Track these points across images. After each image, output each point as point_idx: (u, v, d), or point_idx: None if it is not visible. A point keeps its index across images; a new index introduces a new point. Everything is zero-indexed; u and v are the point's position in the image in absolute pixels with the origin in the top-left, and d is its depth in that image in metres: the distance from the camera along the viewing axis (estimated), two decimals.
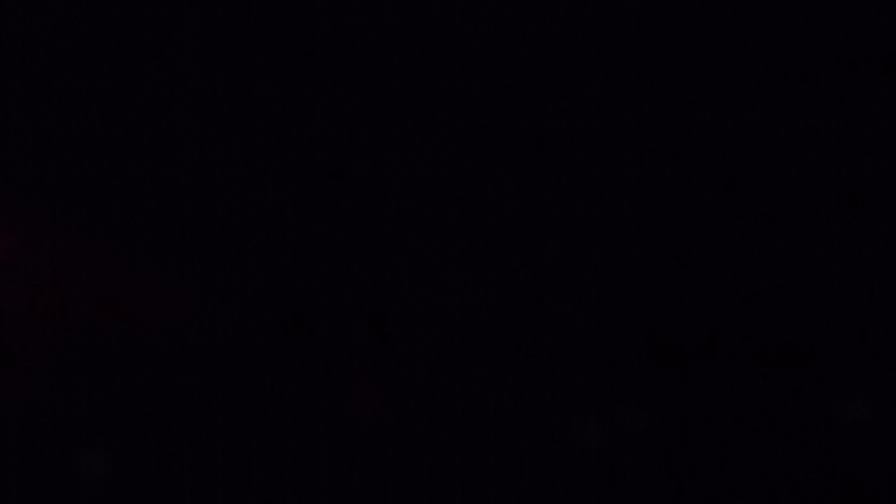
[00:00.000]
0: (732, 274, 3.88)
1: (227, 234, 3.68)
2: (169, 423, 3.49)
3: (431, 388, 3.66)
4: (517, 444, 3.48)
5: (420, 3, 4.07)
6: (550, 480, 3.32)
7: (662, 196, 4.01)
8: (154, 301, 3.58)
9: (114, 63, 3.77)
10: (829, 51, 3.97)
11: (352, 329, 3.77)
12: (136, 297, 3.56)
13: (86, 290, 3.55)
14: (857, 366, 3.54)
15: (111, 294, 3.55)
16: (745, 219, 3.98)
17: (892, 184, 3.91)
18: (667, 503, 3.25)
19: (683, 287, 3.87)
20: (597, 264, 3.83)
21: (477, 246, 3.82)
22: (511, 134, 4.00)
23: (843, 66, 3.99)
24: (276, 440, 3.46)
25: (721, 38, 4.01)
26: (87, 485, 3.34)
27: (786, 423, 3.46)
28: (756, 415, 3.61)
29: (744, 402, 3.57)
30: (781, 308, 3.82)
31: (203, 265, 3.65)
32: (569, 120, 4.00)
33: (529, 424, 3.57)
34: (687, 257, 3.95)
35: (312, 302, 3.73)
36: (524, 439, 3.49)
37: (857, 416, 3.34)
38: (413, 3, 4.09)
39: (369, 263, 3.85)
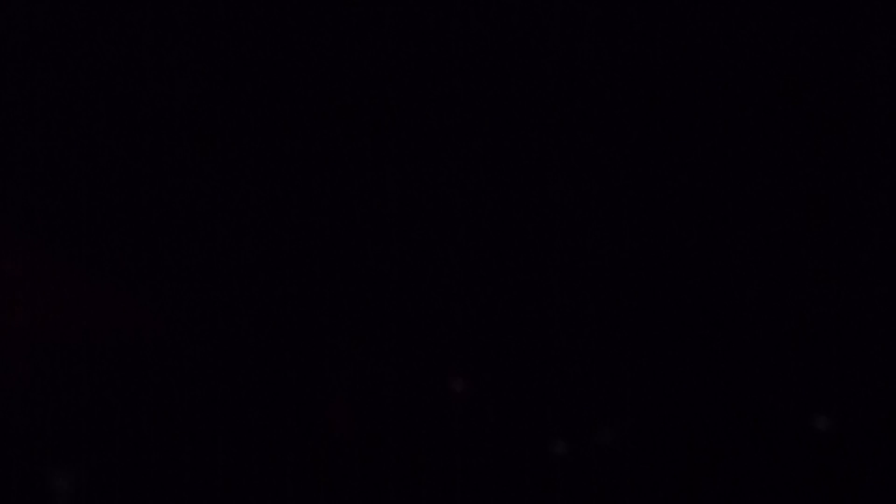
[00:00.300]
0: (717, 285, 3.97)
1: (206, 258, 3.77)
2: (150, 432, 3.55)
3: (406, 403, 3.74)
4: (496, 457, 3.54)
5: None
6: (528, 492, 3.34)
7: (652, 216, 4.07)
8: (135, 317, 3.68)
9: (101, 92, 3.85)
10: (828, 56, 4.01)
11: (328, 345, 3.85)
12: (119, 313, 3.66)
13: (70, 306, 3.64)
14: (830, 378, 3.57)
15: (93, 310, 3.65)
16: (731, 233, 4.02)
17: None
18: None
19: (671, 298, 3.95)
20: (584, 278, 3.91)
21: (457, 268, 3.91)
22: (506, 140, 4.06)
23: (843, 68, 4.05)
24: (254, 451, 3.45)
25: (719, 44, 4.04)
26: (63, 498, 3.30)
27: (766, 434, 3.44)
28: (736, 424, 3.67)
29: (725, 413, 3.55)
30: (764, 318, 3.91)
31: (181, 283, 3.75)
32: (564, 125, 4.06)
33: (508, 438, 3.65)
34: (674, 269, 4.02)
35: (288, 317, 3.83)
36: (503, 453, 3.56)
37: (829, 427, 3.33)
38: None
39: (347, 282, 3.94)
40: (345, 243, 3.85)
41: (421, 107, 4.11)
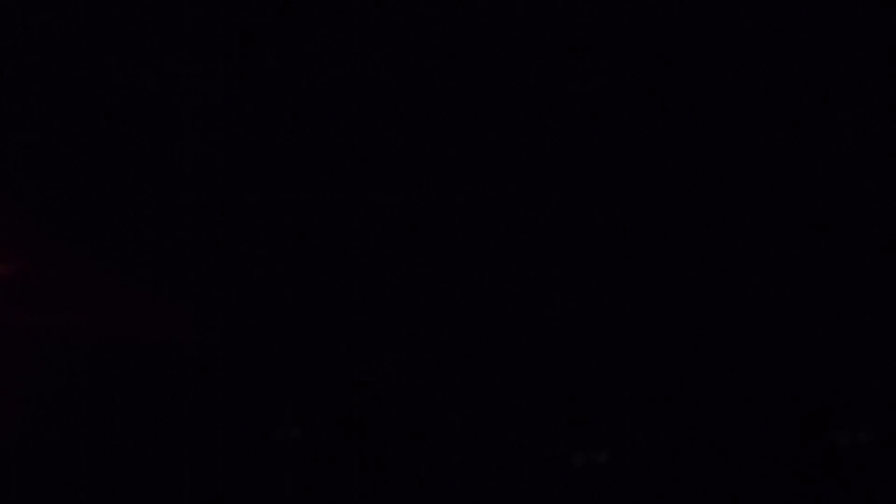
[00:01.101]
0: (729, 291, 3.97)
1: (218, 255, 3.87)
2: (166, 429, 3.67)
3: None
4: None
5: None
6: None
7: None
8: (149, 315, 3.80)
9: (115, 88, 3.96)
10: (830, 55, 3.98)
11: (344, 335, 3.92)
12: (133, 312, 3.78)
13: (85, 305, 3.77)
14: (855, 392, 3.56)
15: (109, 309, 3.78)
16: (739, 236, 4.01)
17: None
18: None
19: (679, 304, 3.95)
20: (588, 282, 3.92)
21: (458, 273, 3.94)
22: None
23: (844, 68, 4.01)
24: (270, 443, 3.51)
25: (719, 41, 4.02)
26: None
27: (786, 447, 3.44)
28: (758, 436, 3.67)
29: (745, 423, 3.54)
30: (780, 331, 3.90)
31: (196, 283, 3.85)
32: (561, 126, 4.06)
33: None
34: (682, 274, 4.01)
35: (299, 314, 3.91)
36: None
37: (856, 440, 3.31)
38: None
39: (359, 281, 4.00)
40: (368, 247, 3.93)
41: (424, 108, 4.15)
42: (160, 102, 4.00)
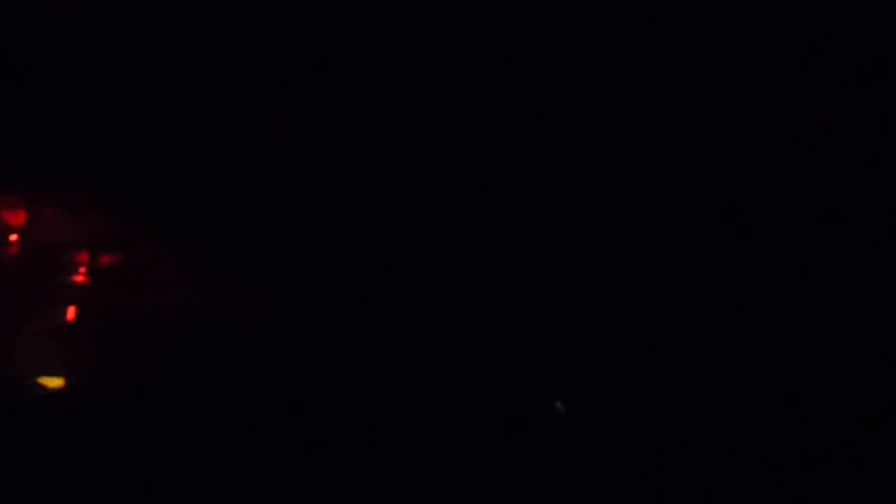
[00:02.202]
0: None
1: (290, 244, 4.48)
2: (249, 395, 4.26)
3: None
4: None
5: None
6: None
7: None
8: (233, 295, 4.53)
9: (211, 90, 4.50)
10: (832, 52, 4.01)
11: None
12: (221, 293, 4.52)
13: (183, 289, 4.53)
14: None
15: (202, 291, 4.52)
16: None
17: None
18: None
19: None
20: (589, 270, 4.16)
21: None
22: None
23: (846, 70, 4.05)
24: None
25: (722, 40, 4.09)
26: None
27: None
28: None
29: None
30: None
31: (280, 275, 4.50)
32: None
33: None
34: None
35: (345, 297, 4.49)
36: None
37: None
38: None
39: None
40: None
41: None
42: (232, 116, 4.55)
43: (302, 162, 4.87)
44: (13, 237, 4.75)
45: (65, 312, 4.91)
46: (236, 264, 4.77)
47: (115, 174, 4.46)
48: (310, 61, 4.44)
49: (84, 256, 4.94)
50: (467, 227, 4.42)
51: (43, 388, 4.48)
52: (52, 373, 4.59)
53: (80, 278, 4.97)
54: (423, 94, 4.36)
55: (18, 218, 4.68)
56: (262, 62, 4.40)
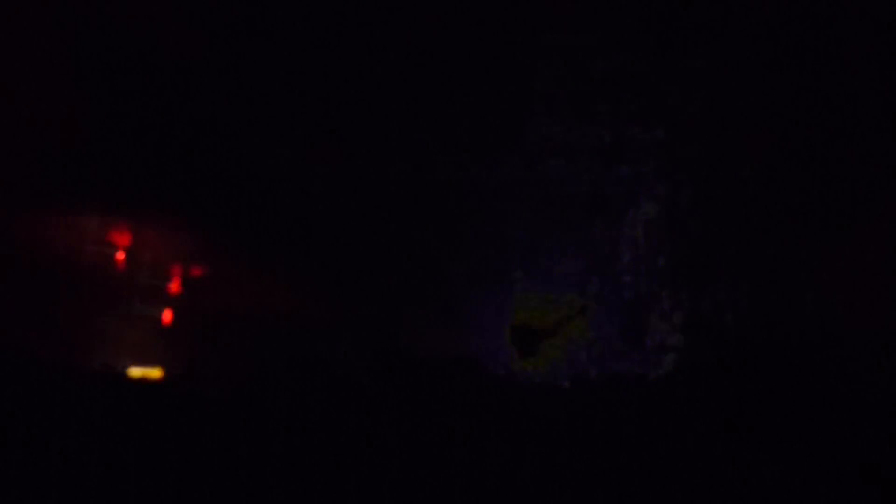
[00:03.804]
0: None
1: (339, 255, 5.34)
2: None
3: None
4: None
5: None
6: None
7: None
8: (293, 299, 5.42)
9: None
10: None
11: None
12: (282, 297, 5.41)
13: (252, 293, 5.43)
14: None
15: (268, 296, 5.42)
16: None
17: None
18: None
19: None
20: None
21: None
22: None
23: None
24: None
25: None
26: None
27: None
28: None
29: None
30: None
31: (324, 276, 5.34)
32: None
33: None
34: None
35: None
36: None
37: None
38: None
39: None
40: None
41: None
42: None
43: (363, 186, 5.71)
44: (120, 254, 5.71)
45: (162, 315, 5.87)
46: (307, 274, 5.65)
47: (203, 201, 5.33)
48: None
49: (178, 269, 5.88)
50: None
51: (145, 378, 5.38)
52: (152, 365, 5.49)
53: (175, 287, 5.91)
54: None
55: (125, 238, 5.63)
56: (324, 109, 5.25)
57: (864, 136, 4.33)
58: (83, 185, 5.24)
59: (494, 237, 7.91)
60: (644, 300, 6.64)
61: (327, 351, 6.02)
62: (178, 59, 5.01)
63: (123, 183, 5.08)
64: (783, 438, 3.17)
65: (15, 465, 3.55)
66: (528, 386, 4.67)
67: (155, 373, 5.57)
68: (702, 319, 4.46)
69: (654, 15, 4.58)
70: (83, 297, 5.68)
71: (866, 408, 3.19)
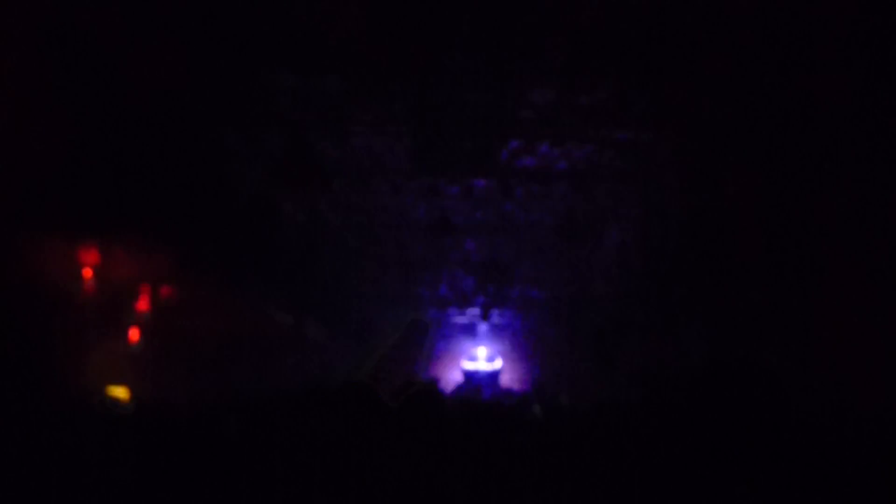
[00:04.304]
0: None
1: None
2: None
3: None
4: None
5: None
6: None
7: None
8: (268, 318, 5.45)
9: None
10: None
11: None
12: (259, 317, 5.43)
13: (218, 314, 5.43)
14: None
15: (231, 317, 5.44)
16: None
17: None
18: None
19: None
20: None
21: None
22: None
23: None
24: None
25: None
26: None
27: None
28: None
29: None
30: None
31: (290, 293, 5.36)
32: None
33: None
34: None
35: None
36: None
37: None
38: None
39: None
40: None
41: None
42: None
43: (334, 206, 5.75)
44: (88, 273, 5.70)
45: (129, 334, 5.87)
46: (271, 293, 5.69)
47: (170, 221, 5.35)
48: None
49: (146, 288, 5.89)
50: None
51: (111, 398, 5.37)
52: (118, 384, 5.49)
53: (142, 306, 5.92)
54: None
55: (93, 257, 5.62)
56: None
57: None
58: (51, 204, 5.23)
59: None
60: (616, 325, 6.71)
61: (294, 368, 6.14)
62: (151, 83, 5.01)
63: (92, 202, 5.06)
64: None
65: None
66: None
67: (122, 392, 5.56)
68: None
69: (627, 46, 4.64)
70: (49, 316, 5.67)
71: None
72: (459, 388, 8.89)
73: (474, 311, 9.53)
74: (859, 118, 4.10)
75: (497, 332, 9.43)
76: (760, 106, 4.32)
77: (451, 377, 9.43)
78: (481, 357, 9.74)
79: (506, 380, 9.60)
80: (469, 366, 9.69)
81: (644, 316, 5.78)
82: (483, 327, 9.69)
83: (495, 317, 9.37)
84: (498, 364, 9.65)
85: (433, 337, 7.65)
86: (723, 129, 4.49)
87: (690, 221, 5.05)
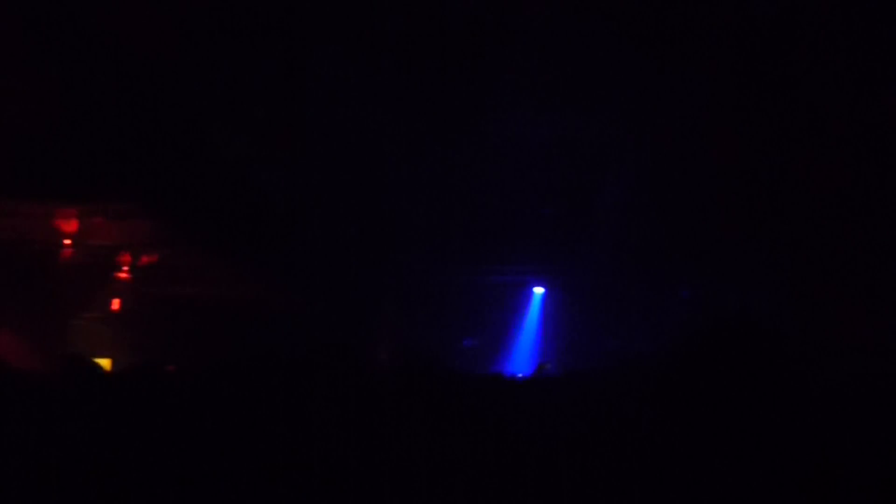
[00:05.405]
0: None
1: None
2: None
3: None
4: None
5: None
6: None
7: None
8: (254, 290, 5.40)
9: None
10: None
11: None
12: (244, 288, 5.39)
13: (214, 283, 5.38)
14: None
15: (229, 286, 5.39)
16: None
17: None
18: None
19: None
20: None
21: None
22: None
23: None
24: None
25: None
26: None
27: None
28: None
29: None
30: None
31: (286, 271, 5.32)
32: None
33: None
34: None
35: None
36: None
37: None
38: None
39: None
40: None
41: None
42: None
43: (314, 178, 5.70)
44: (67, 241, 5.64)
45: (111, 303, 5.82)
46: (252, 261, 5.63)
47: (152, 188, 5.29)
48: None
49: (126, 257, 5.84)
50: None
51: (93, 366, 5.34)
52: (100, 354, 5.44)
53: (123, 275, 5.87)
54: None
55: (71, 226, 5.57)
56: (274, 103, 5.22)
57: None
58: (29, 170, 5.17)
59: None
60: None
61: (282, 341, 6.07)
62: (136, 51, 4.96)
63: (68, 167, 5.00)
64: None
65: None
66: None
67: (104, 363, 5.52)
68: None
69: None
70: (29, 286, 5.63)
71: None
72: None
73: None
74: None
75: None
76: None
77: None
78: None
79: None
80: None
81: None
82: None
83: None
84: None
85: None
86: None
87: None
